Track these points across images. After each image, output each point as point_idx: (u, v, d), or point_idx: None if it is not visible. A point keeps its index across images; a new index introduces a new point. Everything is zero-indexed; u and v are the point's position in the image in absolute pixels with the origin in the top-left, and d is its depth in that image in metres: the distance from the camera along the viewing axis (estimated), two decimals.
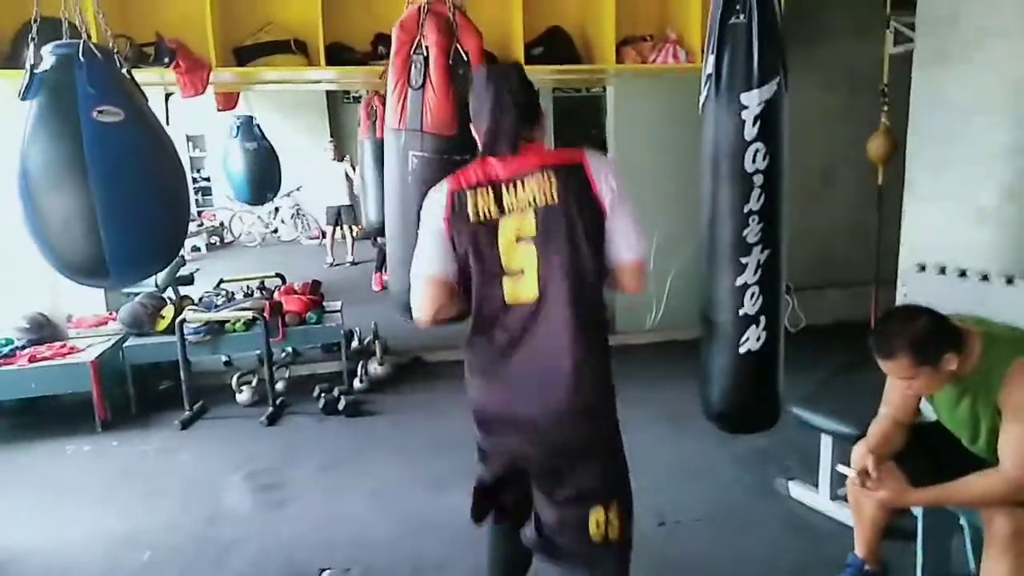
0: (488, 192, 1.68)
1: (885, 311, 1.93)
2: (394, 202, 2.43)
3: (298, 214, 11.00)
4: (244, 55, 4.05)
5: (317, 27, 4.01)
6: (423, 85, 2.28)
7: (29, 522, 2.95)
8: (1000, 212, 2.97)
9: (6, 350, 3.87)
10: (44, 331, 4.17)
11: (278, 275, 5.23)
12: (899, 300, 3.14)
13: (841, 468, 2.02)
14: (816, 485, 2.83)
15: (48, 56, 2.22)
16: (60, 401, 4.11)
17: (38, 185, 2.11)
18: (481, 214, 1.67)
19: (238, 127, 6.45)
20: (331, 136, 10.54)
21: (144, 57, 3.73)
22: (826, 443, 2.75)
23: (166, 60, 3.69)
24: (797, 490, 2.90)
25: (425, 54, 2.29)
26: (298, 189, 10.50)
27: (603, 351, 1.78)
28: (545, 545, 1.87)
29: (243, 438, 3.73)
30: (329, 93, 11.27)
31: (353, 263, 9.01)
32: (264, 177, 6.71)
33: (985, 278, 2.21)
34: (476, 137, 1.79)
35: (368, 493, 3.09)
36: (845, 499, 2.74)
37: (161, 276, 5.12)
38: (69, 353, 3.95)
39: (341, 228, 9.07)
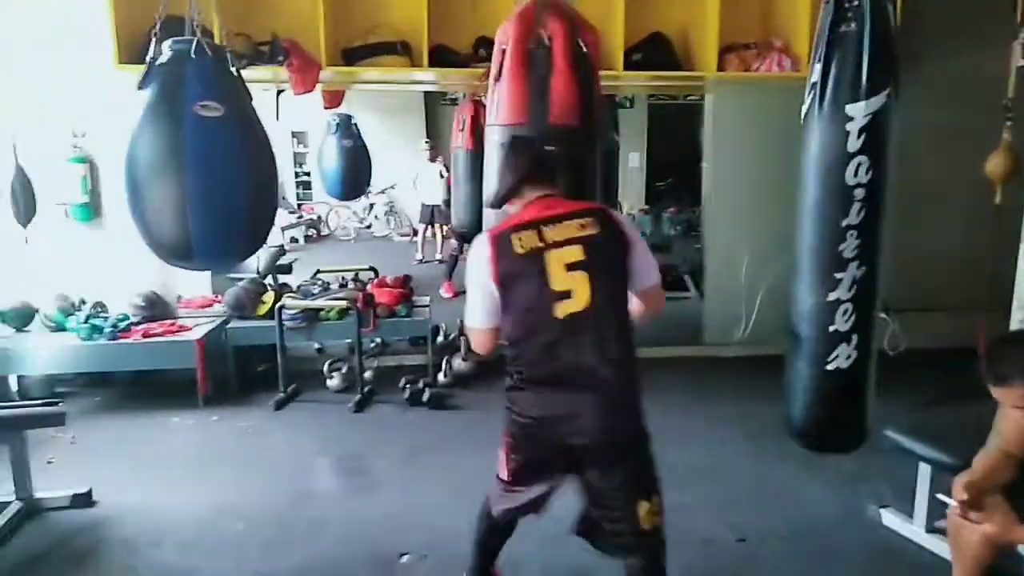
0: (530, 230, 1.90)
1: (997, 336, 1.83)
2: None
3: (391, 211, 11.30)
4: (352, 55, 4.23)
5: (422, 30, 4.14)
6: (547, 76, 2.30)
7: (131, 486, 3.16)
8: None
9: (123, 325, 4.16)
10: (156, 309, 4.45)
11: (371, 268, 5.39)
12: (1014, 326, 2.96)
13: (943, 497, 1.93)
14: (911, 515, 2.71)
15: (166, 50, 2.39)
16: (167, 376, 4.38)
17: (140, 169, 2.29)
18: (525, 247, 1.88)
19: (336, 124, 6.70)
20: (427, 137, 10.80)
21: (260, 55, 3.95)
22: (924, 472, 2.62)
23: (280, 58, 3.89)
24: (890, 518, 2.78)
25: (548, 44, 2.31)
26: (392, 187, 10.81)
27: (636, 358, 1.99)
28: (592, 529, 2.06)
29: (332, 422, 3.88)
30: (427, 95, 11.50)
31: (441, 261, 9.21)
32: (355, 174, 6.95)
33: None
34: (505, 193, 2.05)
35: (448, 484, 3.16)
36: (943, 532, 2.61)
37: (262, 263, 5.40)
38: (178, 331, 4.21)
39: (433, 227, 9.31)
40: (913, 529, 2.68)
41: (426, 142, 9.80)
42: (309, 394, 4.30)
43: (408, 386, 4.18)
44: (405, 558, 2.60)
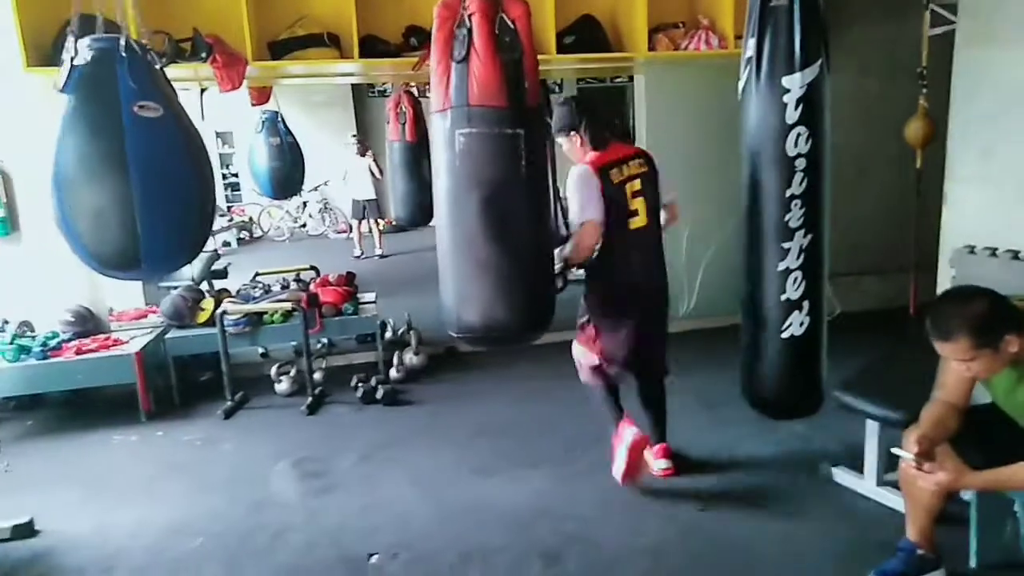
0: (617, 167, 2.82)
1: (942, 292, 1.91)
2: (442, 192, 2.37)
3: (326, 208, 11.09)
4: (278, 49, 4.10)
5: (350, 20, 4.04)
6: (467, 57, 2.24)
7: (76, 512, 3.01)
8: None
9: (53, 343, 3.95)
10: (88, 324, 4.25)
11: (312, 268, 5.29)
12: (948, 283, 3.10)
13: (896, 451, 2.01)
14: (861, 471, 2.82)
15: (86, 50, 2.26)
16: (103, 393, 4.19)
17: (74, 177, 2.16)
18: (616, 179, 2.80)
19: (264, 122, 6.50)
20: (356, 131, 10.62)
21: (181, 52, 3.78)
22: (872, 428, 2.73)
23: (203, 55, 3.73)
24: (842, 476, 2.88)
25: (469, 25, 2.25)
26: (325, 184, 10.59)
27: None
28: (643, 366, 3.02)
29: (285, 427, 3.78)
30: (355, 88, 11.31)
31: (382, 256, 9.10)
32: (288, 173, 6.77)
33: None
34: (585, 139, 2.88)
35: (410, 480, 3.13)
36: (892, 485, 2.72)
37: (196, 269, 5.24)
38: (114, 345, 4.03)
39: (367, 221, 9.18)
40: (864, 484, 2.79)
41: (353, 136, 9.63)
42: (258, 400, 4.18)
43: (360, 384, 4.12)
44: (374, 558, 2.56)
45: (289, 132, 6.46)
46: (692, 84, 4.74)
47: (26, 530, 2.82)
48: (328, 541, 2.69)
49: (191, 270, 5.09)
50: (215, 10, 3.91)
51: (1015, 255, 2.27)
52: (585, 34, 4.30)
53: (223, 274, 5.80)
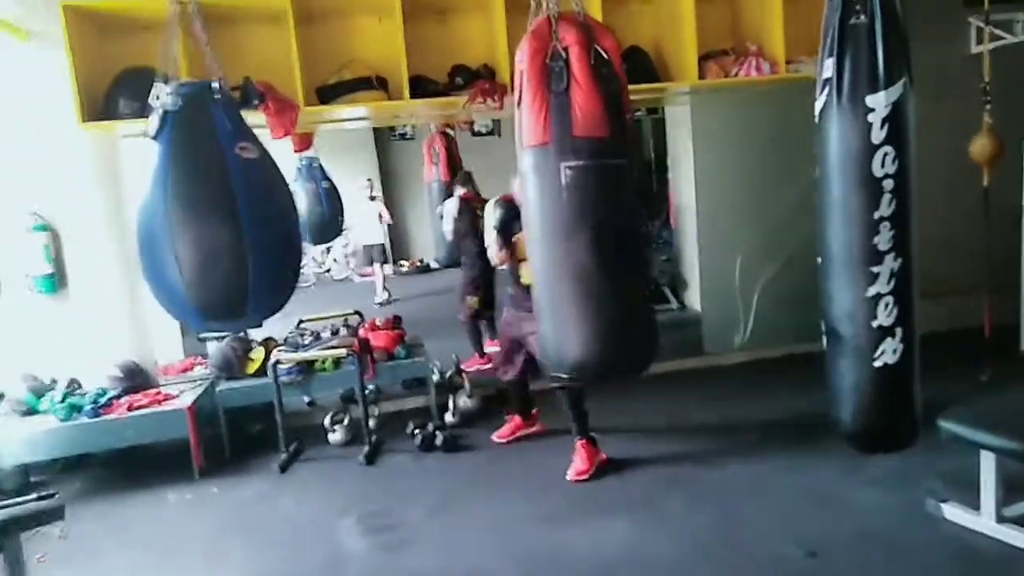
0: None
1: None
2: (545, 230, 2.26)
3: (353, 252, 11.06)
4: (327, 93, 4.06)
5: (397, 62, 4.01)
6: (567, 88, 2.16)
7: None
8: None
9: (103, 400, 3.86)
10: (136, 379, 4.15)
11: (356, 312, 5.18)
12: None
13: None
14: (976, 507, 2.64)
15: (172, 97, 2.21)
16: (151, 449, 4.07)
17: (177, 224, 2.08)
18: None
19: (300, 169, 6.51)
20: (380, 174, 10.64)
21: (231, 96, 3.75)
22: (987, 460, 2.56)
23: (255, 102, 3.69)
24: (953, 512, 2.71)
25: (565, 56, 2.18)
26: (348, 228, 10.56)
27: None
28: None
29: (344, 479, 3.65)
30: (376, 131, 11.38)
31: (387, 302, 8.79)
32: (327, 218, 6.75)
33: None
34: None
35: (486, 531, 2.98)
36: (1014, 521, 2.55)
37: None
38: (164, 400, 3.93)
39: (375, 265, 9.04)
40: (981, 521, 2.62)
41: (367, 180, 9.55)
42: (311, 451, 4.05)
43: (417, 431, 3.98)
44: None
45: (327, 177, 6.46)
46: (740, 111, 4.67)
47: None
48: None
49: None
50: (264, 57, 3.88)
51: None
52: (634, 65, 4.23)
53: (259, 323, 5.71)
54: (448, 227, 5.22)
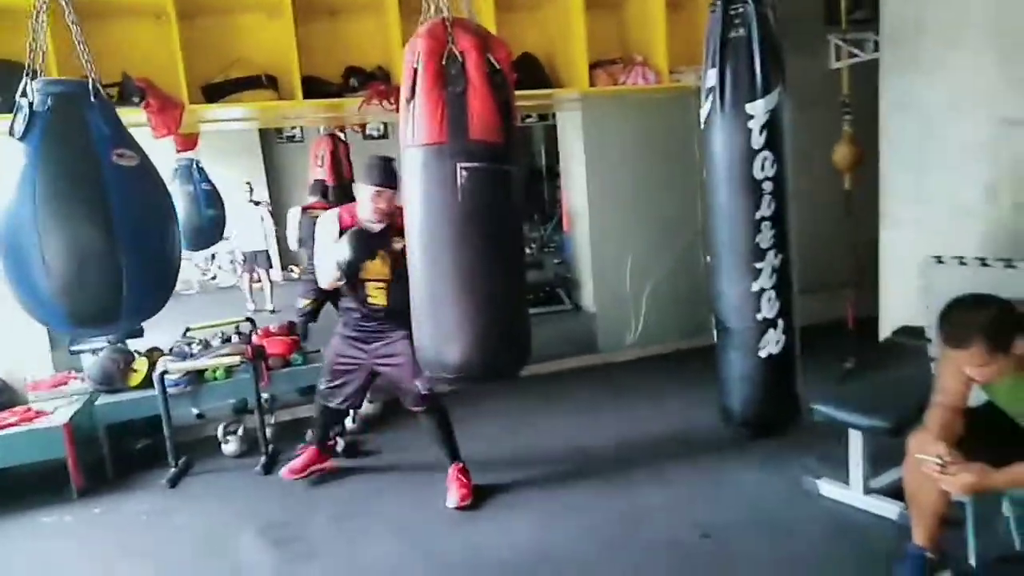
0: None
1: (950, 302, 1.98)
2: (433, 230, 2.29)
3: (241, 259, 10.61)
4: (213, 92, 3.91)
5: (288, 62, 3.91)
6: (464, 92, 2.19)
7: None
8: (981, 207, 3.15)
9: None
10: (2, 396, 3.85)
11: (248, 320, 5.02)
12: (900, 295, 3.27)
13: (921, 456, 2.05)
14: (845, 481, 2.88)
15: (41, 95, 2.07)
16: (17, 472, 3.76)
17: (46, 231, 1.95)
18: None
19: (178, 170, 6.18)
20: (267, 177, 10.28)
21: (109, 98, 3.55)
22: (855, 439, 2.81)
23: (135, 100, 3.51)
24: (827, 488, 2.95)
25: (462, 60, 2.21)
26: (230, 234, 10.12)
27: None
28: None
29: (242, 490, 3.52)
30: (262, 133, 11.00)
31: (272, 311, 8.53)
32: (204, 223, 6.43)
33: (1009, 264, 2.33)
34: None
35: (395, 535, 2.96)
36: (879, 492, 2.81)
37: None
38: (36, 417, 3.65)
39: (257, 272, 8.74)
40: (851, 494, 2.86)
41: (247, 184, 9.20)
42: (203, 464, 3.87)
43: (338, 437, 3.89)
44: None
45: (207, 180, 6.17)
46: (629, 117, 4.88)
47: None
48: None
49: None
50: (145, 53, 3.70)
51: (983, 262, 2.42)
52: (526, 72, 4.33)
53: (140, 332, 5.40)
54: (291, 235, 5.35)
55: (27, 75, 2.07)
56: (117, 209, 1.96)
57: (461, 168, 2.16)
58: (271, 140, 11.31)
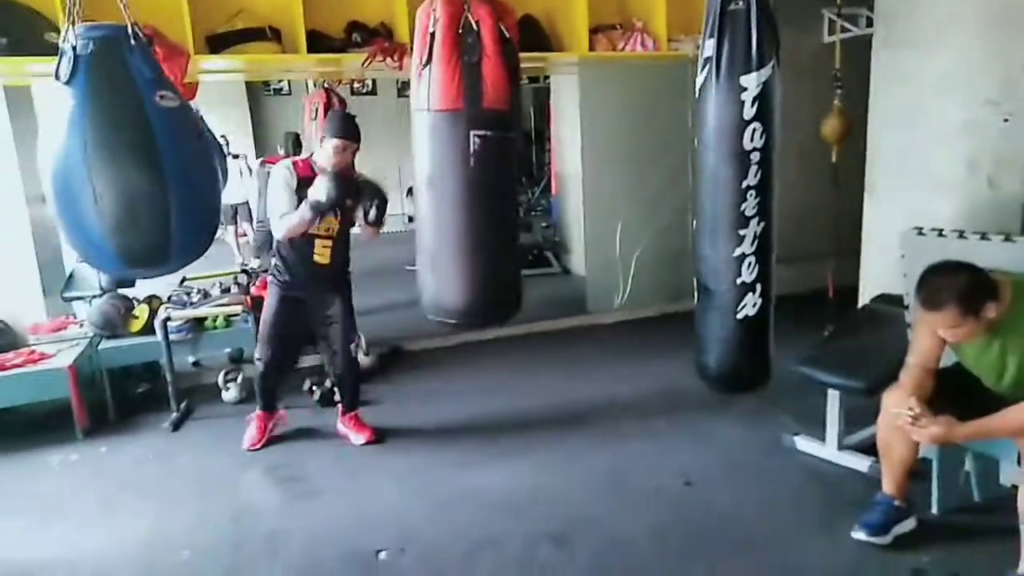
0: None
1: (928, 267, 2.14)
2: (444, 192, 2.41)
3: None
4: (217, 43, 3.93)
5: (292, 14, 3.95)
6: (479, 61, 2.29)
7: (38, 538, 2.79)
8: (961, 182, 3.30)
9: None
10: (4, 338, 3.92)
11: (244, 271, 5.09)
12: (882, 265, 3.42)
13: (895, 410, 2.23)
14: (821, 438, 3.07)
15: (83, 39, 2.13)
16: (23, 412, 3.86)
17: (97, 172, 2.03)
18: None
19: None
20: (253, 129, 10.20)
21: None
22: (833, 398, 2.98)
23: (135, 52, 3.53)
24: (804, 443, 3.13)
25: (477, 28, 2.30)
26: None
27: None
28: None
29: (242, 435, 3.62)
30: (249, 85, 10.88)
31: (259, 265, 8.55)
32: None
33: (984, 237, 2.48)
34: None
35: (394, 479, 3.11)
36: (852, 448, 3.00)
37: (104, 277, 4.90)
38: (40, 359, 3.73)
39: (238, 226, 8.73)
40: (826, 450, 3.05)
41: (222, 136, 9.13)
42: (203, 410, 3.99)
43: (315, 388, 4.02)
44: (383, 554, 2.54)
45: (209, 130, 6.15)
46: (626, 83, 4.95)
47: None
48: (328, 541, 2.64)
49: (98, 278, 4.77)
50: (150, 2, 3.70)
51: (960, 234, 2.57)
52: (527, 34, 4.38)
53: (131, 283, 5.46)
54: (251, 189, 5.43)
55: (68, 21, 2.12)
56: (164, 150, 2.03)
57: (475, 136, 2.28)
58: (258, 92, 11.18)
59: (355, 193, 3.10)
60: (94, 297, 4.50)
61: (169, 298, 4.47)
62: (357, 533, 2.69)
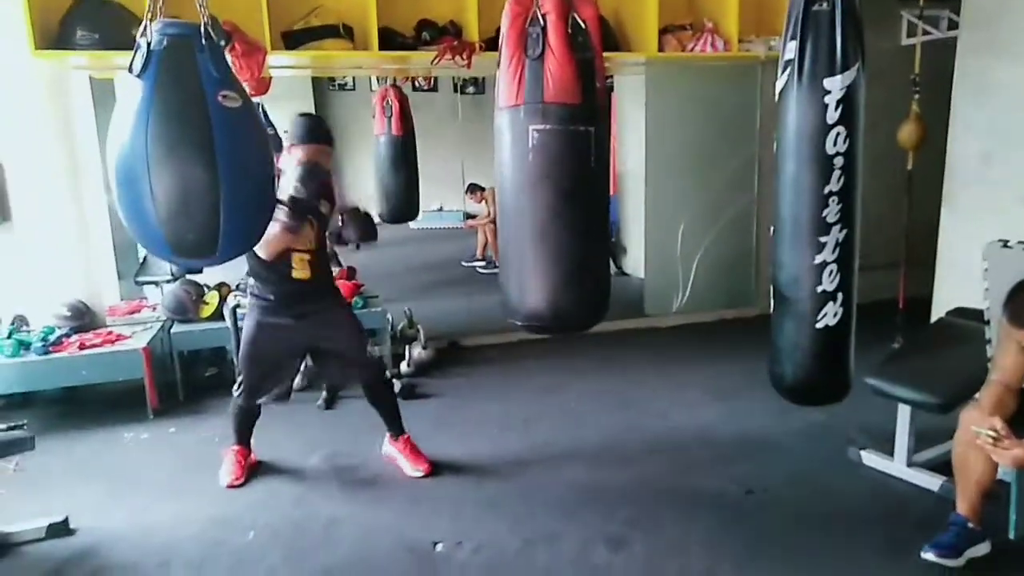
0: None
1: (1019, 281, 2.06)
2: (511, 186, 2.42)
3: None
4: (292, 39, 4.03)
5: (364, 12, 4.02)
6: (542, 55, 2.29)
7: (110, 509, 2.91)
8: None
9: (54, 338, 3.79)
10: (84, 319, 4.09)
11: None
12: (962, 277, 3.30)
13: (976, 428, 2.15)
14: (889, 453, 2.98)
15: (158, 35, 2.20)
16: (99, 390, 4.04)
17: (157, 164, 2.10)
18: None
19: None
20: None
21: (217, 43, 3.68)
22: (904, 412, 2.89)
23: (222, 43, 3.62)
24: (871, 458, 3.04)
25: (542, 23, 2.30)
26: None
27: None
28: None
29: (304, 422, 3.73)
30: (314, 80, 11.13)
31: None
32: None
33: None
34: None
35: (451, 471, 3.14)
36: (922, 466, 2.91)
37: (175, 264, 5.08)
38: (117, 340, 3.89)
39: None
40: (895, 466, 2.96)
41: (284, 132, 9.32)
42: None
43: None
44: (440, 546, 2.57)
45: (271, 124, 6.32)
46: (693, 84, 4.89)
47: (61, 529, 2.72)
48: (385, 530, 2.68)
49: (170, 265, 4.94)
50: None
51: None
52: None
53: (199, 269, 5.65)
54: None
55: (147, 16, 2.20)
56: (220, 148, 2.10)
57: (533, 130, 2.27)
58: (323, 88, 11.42)
59: (329, 193, 2.87)
60: (165, 282, 4.69)
61: (237, 286, 4.60)
62: (414, 524, 2.72)
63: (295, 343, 2.99)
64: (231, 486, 3.05)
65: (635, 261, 6.27)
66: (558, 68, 2.34)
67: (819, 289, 2.82)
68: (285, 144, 2.98)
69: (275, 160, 3.15)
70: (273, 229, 2.59)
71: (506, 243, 2.52)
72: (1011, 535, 2.46)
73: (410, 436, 3.20)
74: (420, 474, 3.09)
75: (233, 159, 2.18)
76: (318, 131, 3.00)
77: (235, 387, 3.07)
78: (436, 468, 3.16)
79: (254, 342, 2.95)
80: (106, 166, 4.17)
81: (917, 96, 4.38)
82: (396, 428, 3.18)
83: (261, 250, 2.73)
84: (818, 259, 2.81)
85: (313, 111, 11.66)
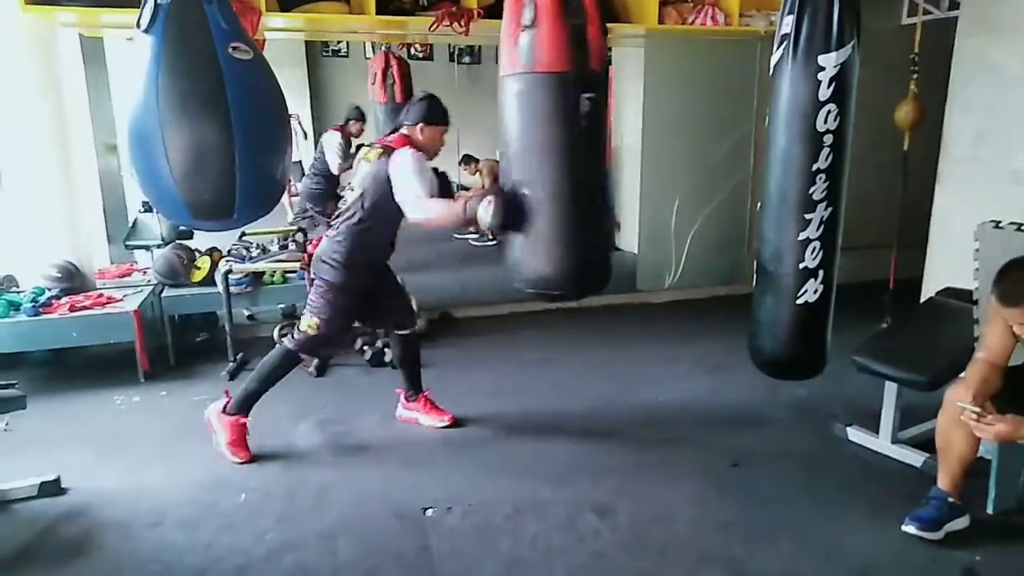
0: None
1: (1009, 261, 2.08)
2: (553, 155, 2.40)
3: None
4: (288, 2, 3.97)
5: None
6: (585, 22, 2.30)
7: (102, 470, 2.92)
8: None
9: (44, 299, 3.77)
10: (74, 281, 4.07)
11: (300, 229, 5.18)
12: (951, 257, 3.33)
13: (960, 404, 2.18)
14: (874, 430, 3.02)
15: None
16: (89, 353, 4.05)
17: (169, 122, 2.08)
18: None
19: None
20: (310, 91, 10.32)
21: None
22: (890, 390, 2.93)
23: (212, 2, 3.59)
24: (856, 434, 3.09)
25: None
26: None
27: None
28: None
29: (295, 389, 3.69)
30: (308, 45, 10.97)
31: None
32: None
33: None
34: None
35: (441, 440, 3.17)
36: (906, 443, 2.95)
37: (166, 228, 5.04)
38: (108, 303, 3.88)
39: (293, 185, 8.86)
40: (879, 442, 3.00)
41: None
42: (257, 362, 4.07)
43: (366, 348, 4.10)
44: (430, 511, 2.60)
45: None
46: (692, 58, 4.85)
47: (53, 488, 2.73)
48: (376, 496, 2.71)
49: (160, 228, 4.92)
50: None
51: None
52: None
53: (189, 234, 5.61)
54: (332, 160, 5.26)
55: None
56: (233, 101, 2.07)
57: (585, 98, 2.27)
58: (316, 53, 11.27)
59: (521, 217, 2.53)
60: (156, 246, 4.66)
61: (229, 251, 4.58)
62: (404, 490, 2.75)
63: (372, 298, 3.04)
64: (245, 462, 2.94)
65: (628, 236, 6.28)
66: (596, 36, 2.41)
67: (801, 266, 2.84)
68: (410, 122, 2.86)
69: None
70: (455, 209, 2.58)
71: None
72: (990, 510, 2.52)
73: (428, 392, 3.33)
74: (445, 424, 3.25)
75: (247, 114, 2.17)
76: (443, 111, 2.93)
77: (293, 337, 2.96)
78: (426, 436, 3.19)
79: (353, 293, 2.93)
80: (97, 129, 4.17)
81: (916, 76, 4.37)
82: (417, 386, 3.34)
83: (418, 214, 2.70)
84: (802, 236, 2.84)
85: (306, 76, 11.55)
